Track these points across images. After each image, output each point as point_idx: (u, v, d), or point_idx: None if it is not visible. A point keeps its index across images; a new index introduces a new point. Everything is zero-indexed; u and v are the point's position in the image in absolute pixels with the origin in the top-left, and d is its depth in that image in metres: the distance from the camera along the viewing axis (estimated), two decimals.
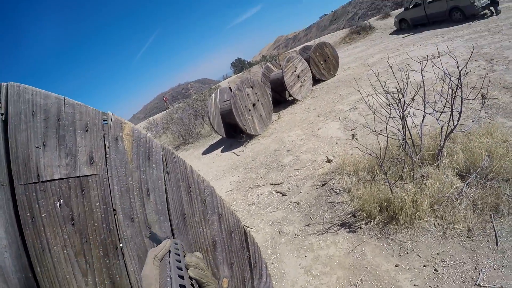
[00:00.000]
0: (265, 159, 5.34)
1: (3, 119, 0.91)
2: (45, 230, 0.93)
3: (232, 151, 6.62)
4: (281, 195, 3.92)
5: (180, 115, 9.74)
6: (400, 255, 2.20)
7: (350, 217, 2.78)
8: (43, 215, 0.93)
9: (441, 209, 2.28)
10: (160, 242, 0.62)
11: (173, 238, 1.11)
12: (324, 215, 3.01)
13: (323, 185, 3.59)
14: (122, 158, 1.05)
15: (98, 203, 1.00)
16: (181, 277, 0.50)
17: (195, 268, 0.57)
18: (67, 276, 0.93)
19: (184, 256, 0.59)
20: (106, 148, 1.03)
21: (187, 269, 0.56)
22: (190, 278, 0.54)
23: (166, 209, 1.09)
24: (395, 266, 2.14)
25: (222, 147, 7.31)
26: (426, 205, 2.27)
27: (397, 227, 2.36)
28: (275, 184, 4.27)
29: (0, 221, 0.89)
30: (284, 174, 4.47)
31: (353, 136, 2.48)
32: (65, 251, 0.94)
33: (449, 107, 2.47)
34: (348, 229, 2.65)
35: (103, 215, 1.00)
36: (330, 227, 2.80)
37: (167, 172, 1.09)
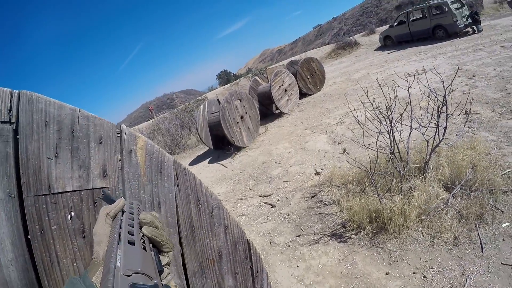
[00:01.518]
0: (253, 171, 5.38)
1: (14, 127, 0.89)
2: (55, 243, 0.91)
3: (219, 162, 6.62)
4: (271, 206, 3.96)
5: (167, 126, 9.69)
6: (390, 264, 2.29)
7: (340, 227, 2.85)
8: (53, 228, 0.92)
9: (428, 219, 2.40)
10: (113, 202, 0.59)
11: (182, 249, 1.14)
12: (315, 226, 3.08)
13: (312, 197, 3.67)
14: (135, 171, 1.06)
15: None
16: (132, 234, 0.48)
17: (149, 226, 0.53)
18: None
19: (139, 215, 0.56)
20: (120, 161, 1.05)
21: (141, 228, 0.53)
22: (143, 237, 0.51)
23: (176, 221, 1.12)
24: (386, 274, 2.22)
25: (209, 158, 7.30)
26: (414, 215, 2.38)
27: (387, 237, 2.46)
28: (264, 196, 4.31)
29: (7, 234, 0.86)
30: (273, 186, 4.52)
31: (344, 150, 2.58)
32: (75, 264, 0.93)
33: (434, 123, 2.62)
34: (339, 240, 2.72)
35: None
36: (321, 237, 2.86)
37: (177, 185, 1.12)
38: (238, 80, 24.12)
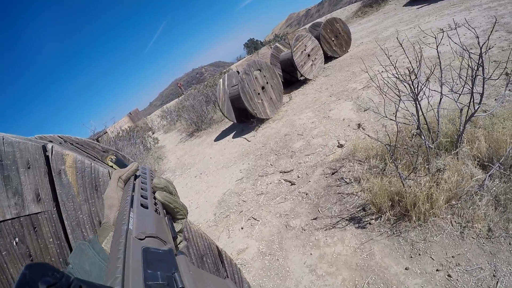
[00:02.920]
0: (275, 144, 5.18)
1: None
2: (8, 267, 0.93)
3: (243, 136, 6.50)
4: (290, 184, 3.79)
5: (192, 102, 9.63)
6: (411, 257, 2.02)
7: (359, 211, 2.61)
8: (3, 253, 0.93)
9: (459, 205, 2.04)
10: (126, 166, 0.55)
11: None
12: (333, 208, 2.86)
13: (333, 173, 3.42)
14: (68, 192, 1.01)
15: (51, 239, 0.98)
16: (145, 198, 0.45)
17: (163, 192, 0.50)
18: None
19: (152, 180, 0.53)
20: (51, 183, 0.97)
21: (154, 192, 0.50)
22: (156, 203, 0.47)
23: None
24: (405, 269, 1.97)
25: (234, 132, 7.20)
26: (443, 200, 2.04)
27: (410, 225, 2.17)
28: (285, 172, 4.14)
29: None
30: (294, 160, 4.32)
31: (359, 125, 2.22)
32: None
33: (469, 88, 2.19)
34: (357, 225, 2.49)
35: (58, 250, 0.97)
36: (338, 221, 2.65)
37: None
38: (263, 47, 23.53)
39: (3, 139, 0.91)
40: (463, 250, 1.91)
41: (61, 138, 1.55)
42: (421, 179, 2.21)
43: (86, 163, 0.97)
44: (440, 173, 2.16)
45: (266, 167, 4.58)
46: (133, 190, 0.47)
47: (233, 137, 6.85)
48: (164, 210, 0.49)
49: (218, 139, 7.42)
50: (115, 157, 0.65)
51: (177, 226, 0.51)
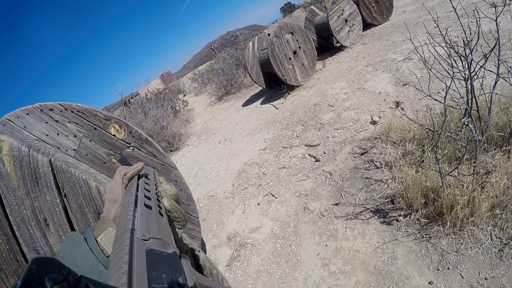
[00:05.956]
0: (303, 114, 4.85)
1: None
2: None
3: (271, 103, 6.19)
4: (315, 160, 3.50)
5: (222, 65, 9.30)
6: (438, 269, 1.71)
7: (387, 202, 2.30)
8: None
9: (503, 216, 1.66)
10: (130, 165, 0.53)
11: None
12: (358, 194, 2.57)
13: (362, 154, 3.07)
14: (8, 184, 0.86)
15: None
16: (149, 199, 0.44)
17: (172, 199, 0.50)
18: None
19: (156, 184, 0.52)
20: None
21: (161, 197, 0.50)
22: (159, 206, 0.46)
23: None
24: (429, 283, 1.67)
25: (262, 98, 6.89)
26: (485, 208, 1.67)
27: (443, 230, 1.83)
28: (310, 146, 3.84)
29: None
30: (322, 134, 3.99)
31: (397, 104, 1.82)
32: None
33: None
34: (382, 219, 2.19)
35: (7, 247, 0.91)
36: (361, 211, 2.37)
37: (64, 196, 0.84)
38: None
39: None
40: (499, 272, 1.56)
41: (62, 106, 1.43)
42: (464, 178, 1.82)
43: (23, 150, 0.78)
44: (488, 176, 1.75)
45: (292, 138, 4.31)
46: (137, 189, 0.45)
47: (261, 103, 6.57)
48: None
49: (246, 104, 7.17)
50: (119, 156, 0.69)
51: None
